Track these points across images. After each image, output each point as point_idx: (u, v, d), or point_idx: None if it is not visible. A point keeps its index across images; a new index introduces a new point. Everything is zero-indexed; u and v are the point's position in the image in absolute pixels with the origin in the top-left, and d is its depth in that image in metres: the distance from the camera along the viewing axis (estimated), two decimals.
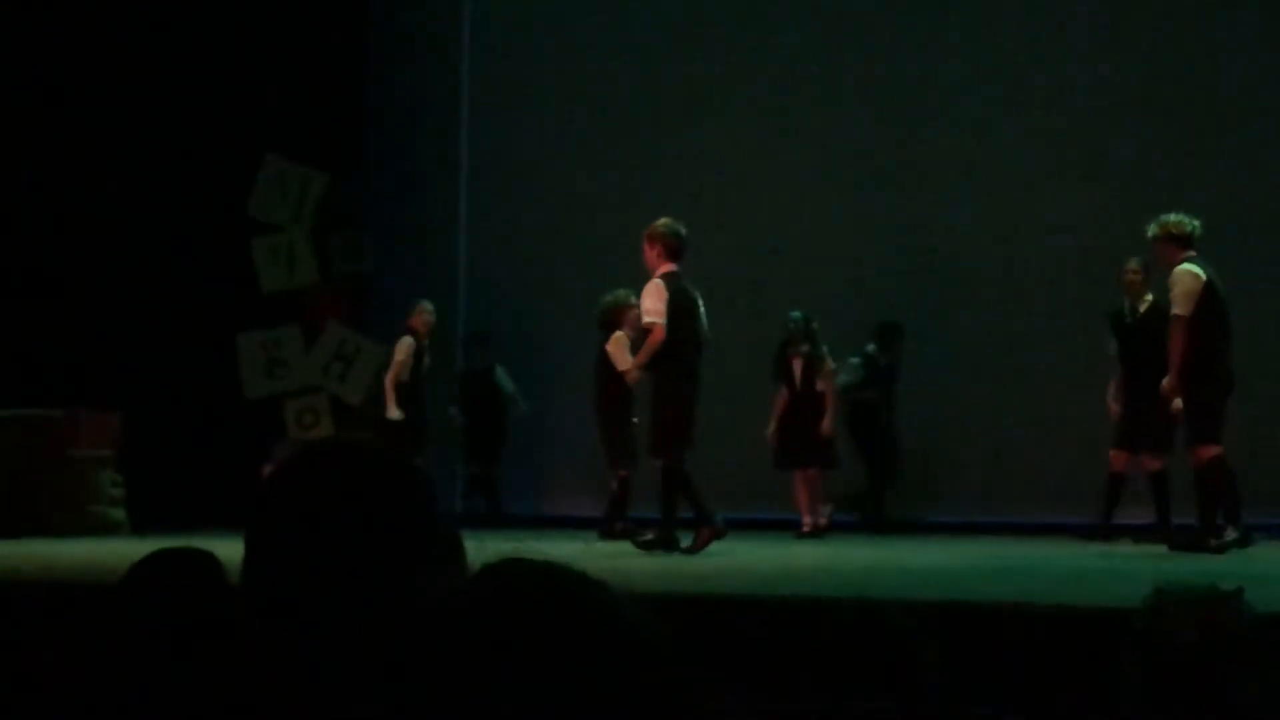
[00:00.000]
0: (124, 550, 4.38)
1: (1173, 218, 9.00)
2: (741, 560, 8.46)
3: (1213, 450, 8.65)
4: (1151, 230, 9.06)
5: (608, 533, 10.55)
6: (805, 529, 10.94)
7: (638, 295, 9.31)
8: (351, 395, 11.90)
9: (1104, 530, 9.93)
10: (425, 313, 12.03)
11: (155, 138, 12.07)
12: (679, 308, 8.80)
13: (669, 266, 8.88)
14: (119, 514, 11.24)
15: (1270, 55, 11.73)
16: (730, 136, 12.74)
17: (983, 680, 4.14)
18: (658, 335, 8.75)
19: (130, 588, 3.24)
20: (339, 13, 12.99)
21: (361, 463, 1.70)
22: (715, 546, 8.82)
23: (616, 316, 10.56)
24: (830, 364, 11.23)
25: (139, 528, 10.87)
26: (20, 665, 5.07)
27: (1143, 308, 9.93)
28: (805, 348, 11.13)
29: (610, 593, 1.26)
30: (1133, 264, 9.92)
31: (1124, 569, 7.46)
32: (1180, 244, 8.93)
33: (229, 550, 2.35)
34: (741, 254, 12.37)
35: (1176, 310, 8.68)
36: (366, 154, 13.06)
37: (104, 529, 10.91)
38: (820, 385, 11.13)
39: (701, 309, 9.03)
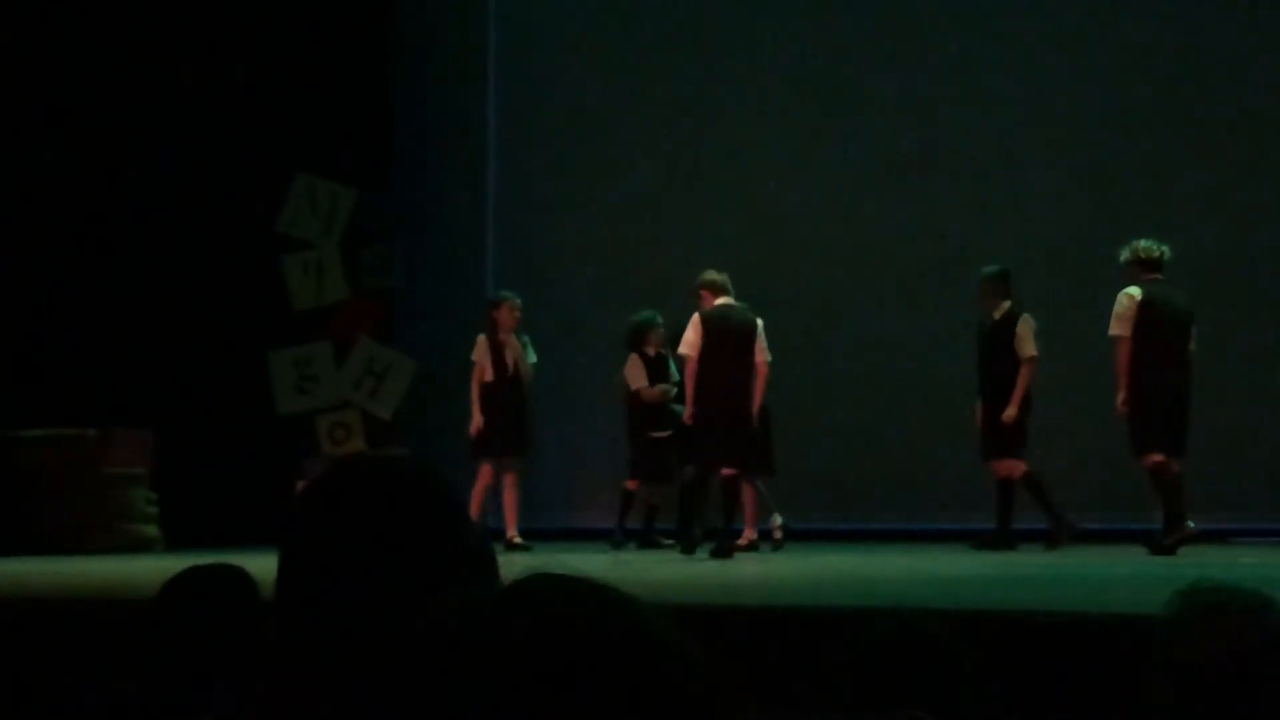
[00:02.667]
0: (158, 567, 4.42)
1: (1143, 243, 9.56)
2: (768, 570, 8.47)
3: (1154, 458, 9.26)
4: (1123, 255, 9.60)
5: (647, 543, 10.88)
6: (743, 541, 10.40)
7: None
8: (383, 410, 11.94)
9: (1003, 537, 10.03)
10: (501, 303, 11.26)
11: (186, 156, 12.13)
12: (719, 337, 9.77)
13: (716, 301, 9.91)
14: (153, 531, 11.30)
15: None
16: (768, 146, 12.74)
17: (1014, 690, 4.13)
18: (690, 368, 9.82)
19: (165, 604, 3.26)
20: (366, 30, 13.03)
21: (393, 478, 1.71)
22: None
23: (639, 336, 11.00)
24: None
25: (173, 544, 10.93)
26: (57, 681, 5.11)
27: (997, 315, 10.15)
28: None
29: (640, 606, 1.26)
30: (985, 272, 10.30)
31: (1153, 575, 7.42)
32: (1146, 268, 9.49)
33: (262, 566, 2.37)
34: (770, 260, 12.34)
35: (1113, 331, 9.35)
36: (394, 170, 13.10)
37: (138, 546, 10.97)
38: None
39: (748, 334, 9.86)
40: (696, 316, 9.83)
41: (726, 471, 9.68)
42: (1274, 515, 10.87)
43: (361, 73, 12.85)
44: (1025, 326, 10.00)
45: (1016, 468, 9.96)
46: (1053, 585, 7.10)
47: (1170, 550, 9.07)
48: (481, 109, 13.51)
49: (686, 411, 9.85)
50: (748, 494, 10.39)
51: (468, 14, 13.63)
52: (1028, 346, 9.97)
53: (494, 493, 11.00)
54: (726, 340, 9.75)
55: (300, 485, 8.42)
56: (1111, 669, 4.31)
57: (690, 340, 9.76)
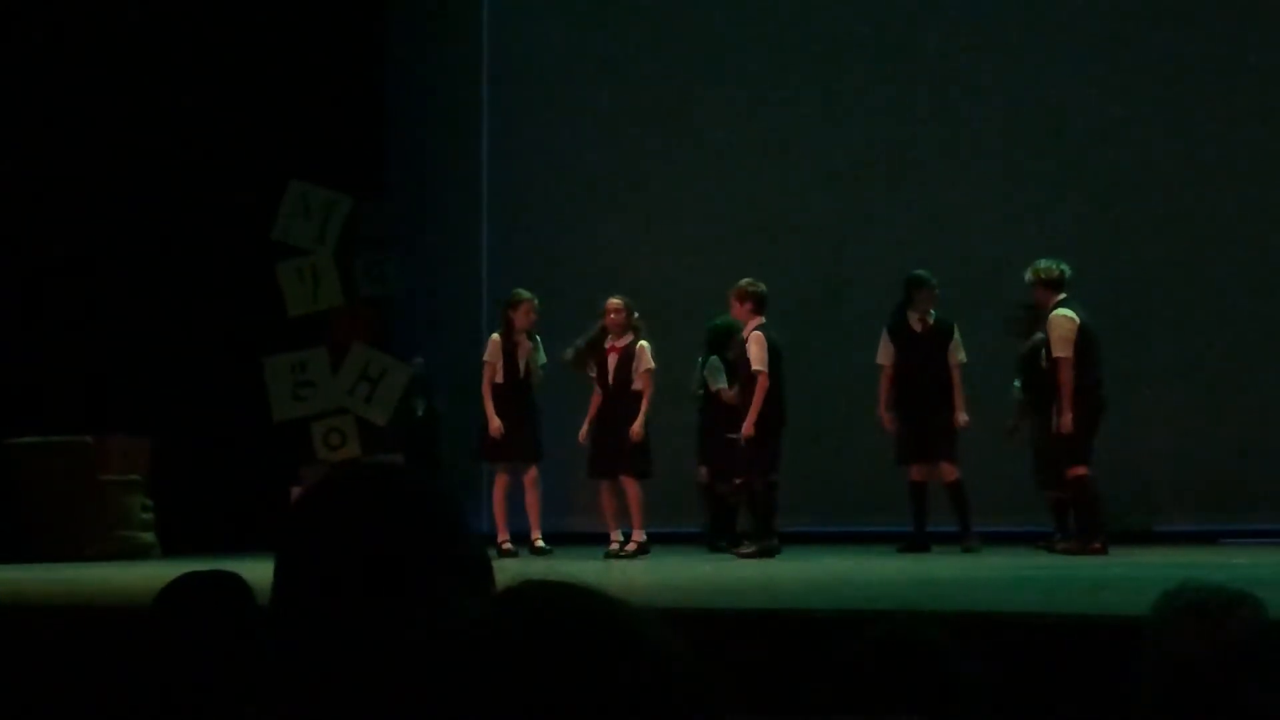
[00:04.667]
0: (155, 573, 4.43)
1: (1043, 263, 9.84)
2: (765, 574, 8.49)
3: (1080, 470, 9.61)
4: (1027, 275, 9.87)
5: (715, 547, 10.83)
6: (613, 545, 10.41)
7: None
8: (378, 416, 11.94)
9: (920, 540, 10.29)
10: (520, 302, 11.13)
11: (181, 163, 12.15)
12: (775, 356, 10.11)
13: (760, 319, 10.12)
14: (149, 537, 11.31)
15: None
16: (761, 145, 12.77)
17: (1008, 692, 4.14)
18: (764, 383, 10.03)
19: (161, 610, 3.27)
20: (360, 37, 13.06)
21: (389, 485, 1.72)
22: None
23: (725, 339, 10.83)
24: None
25: (169, 551, 10.93)
26: (54, 688, 5.12)
27: (929, 320, 10.36)
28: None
29: (632, 611, 1.28)
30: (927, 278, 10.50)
31: (1146, 577, 7.44)
32: (1051, 288, 9.79)
33: (258, 573, 2.38)
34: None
35: (1059, 353, 9.61)
36: (389, 177, 13.12)
37: (135, 553, 10.97)
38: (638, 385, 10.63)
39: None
40: (760, 334, 10.06)
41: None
42: (1269, 517, 10.90)
43: (356, 80, 12.87)
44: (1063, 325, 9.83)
45: (951, 472, 10.26)
46: (1045, 587, 7.12)
47: (1077, 553, 9.44)
48: (476, 116, 13.53)
49: (748, 424, 9.93)
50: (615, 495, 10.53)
51: (462, 21, 13.65)
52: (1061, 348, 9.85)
53: (513, 496, 10.85)
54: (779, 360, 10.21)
55: (296, 491, 8.44)
56: (1104, 670, 4.33)
57: (761, 357, 10.02)
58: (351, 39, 12.92)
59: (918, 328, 10.40)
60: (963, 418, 10.25)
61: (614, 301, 10.40)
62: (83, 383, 11.68)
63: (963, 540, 10.23)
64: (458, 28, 13.64)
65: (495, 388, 10.84)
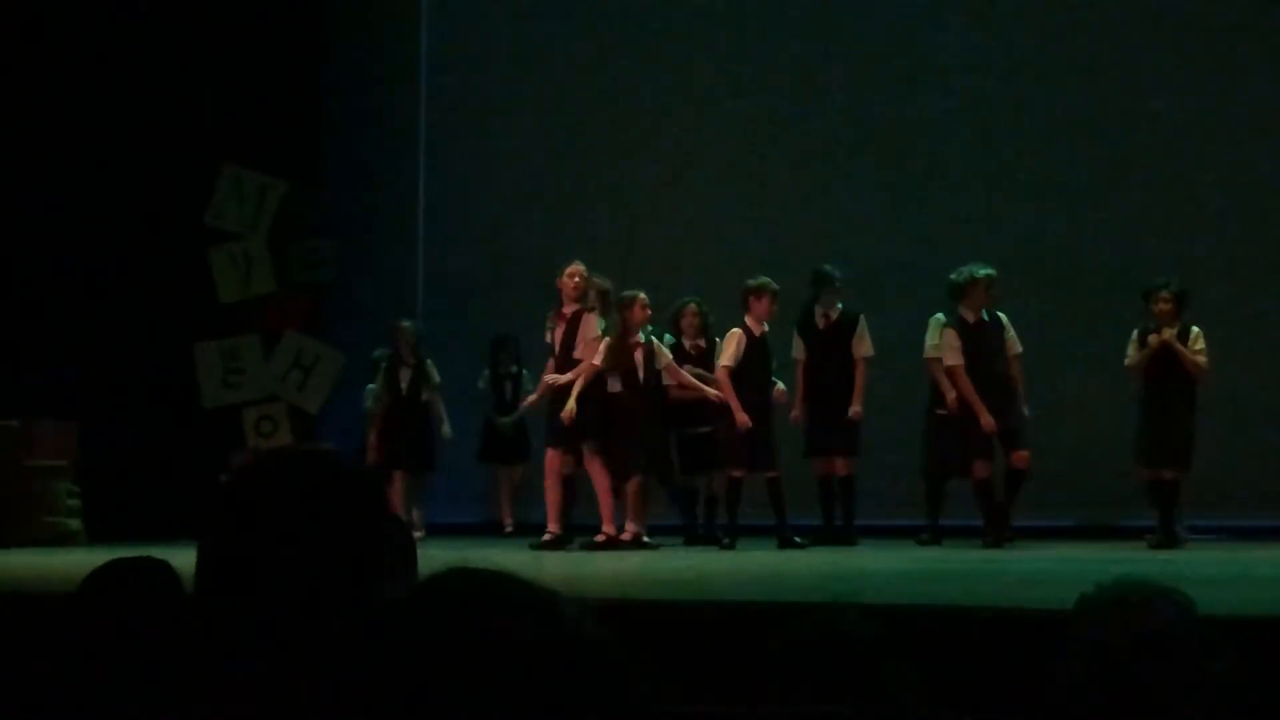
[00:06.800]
0: (80, 560, 4.38)
1: (952, 275, 10.23)
2: (693, 566, 8.52)
3: (986, 470, 9.98)
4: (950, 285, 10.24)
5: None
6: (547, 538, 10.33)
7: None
8: (310, 404, 11.88)
9: (846, 532, 10.43)
10: (402, 330, 11.71)
11: (113, 146, 12.01)
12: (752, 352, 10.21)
13: (750, 316, 10.22)
14: (75, 524, 11.19)
15: None
16: (703, 143, 12.78)
17: (937, 685, 4.17)
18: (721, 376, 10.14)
19: (85, 597, 3.24)
20: (297, 21, 12.96)
21: (314, 471, 1.72)
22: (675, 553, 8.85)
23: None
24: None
25: (96, 538, 10.82)
26: None
27: (833, 315, 10.46)
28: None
29: (557, 600, 1.28)
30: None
31: (1071, 572, 7.52)
32: (950, 295, 10.18)
33: (186, 560, 2.36)
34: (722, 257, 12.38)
35: (948, 362, 10.04)
36: (326, 164, 13.03)
37: (60, 539, 10.85)
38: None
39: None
40: (735, 331, 10.18)
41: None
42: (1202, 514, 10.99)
43: (292, 65, 12.78)
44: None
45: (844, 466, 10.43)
46: (974, 581, 7.19)
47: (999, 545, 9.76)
48: (414, 104, 13.47)
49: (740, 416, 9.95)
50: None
51: (401, 6, 13.59)
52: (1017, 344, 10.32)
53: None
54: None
55: (226, 479, 8.37)
56: (1033, 663, 4.37)
57: (729, 353, 10.15)
58: (289, 23, 12.83)
59: (821, 323, 10.48)
60: (856, 410, 10.32)
61: (641, 298, 10.21)
62: (9, 366, 11.55)
63: (844, 534, 10.35)
64: (397, 13, 13.57)
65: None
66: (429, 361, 11.89)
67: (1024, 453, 10.07)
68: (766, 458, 10.06)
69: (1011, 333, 10.35)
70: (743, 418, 9.90)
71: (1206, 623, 2.21)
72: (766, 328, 10.26)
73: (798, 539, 9.99)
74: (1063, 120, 12.13)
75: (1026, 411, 10.26)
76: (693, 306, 10.66)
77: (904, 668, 2.62)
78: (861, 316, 10.50)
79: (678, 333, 10.64)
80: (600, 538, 10.01)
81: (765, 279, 10.31)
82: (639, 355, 10.14)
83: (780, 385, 10.37)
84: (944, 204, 12.23)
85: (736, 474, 10.04)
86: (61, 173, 11.93)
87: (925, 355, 10.36)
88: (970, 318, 10.26)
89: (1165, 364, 9.97)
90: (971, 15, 12.39)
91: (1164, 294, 10.05)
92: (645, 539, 10.08)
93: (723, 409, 10.04)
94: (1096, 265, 11.82)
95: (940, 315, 10.28)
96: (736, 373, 10.05)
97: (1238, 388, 11.14)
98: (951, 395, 10.03)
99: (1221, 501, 11.02)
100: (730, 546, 9.86)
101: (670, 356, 10.26)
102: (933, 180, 12.31)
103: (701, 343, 10.61)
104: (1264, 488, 11.20)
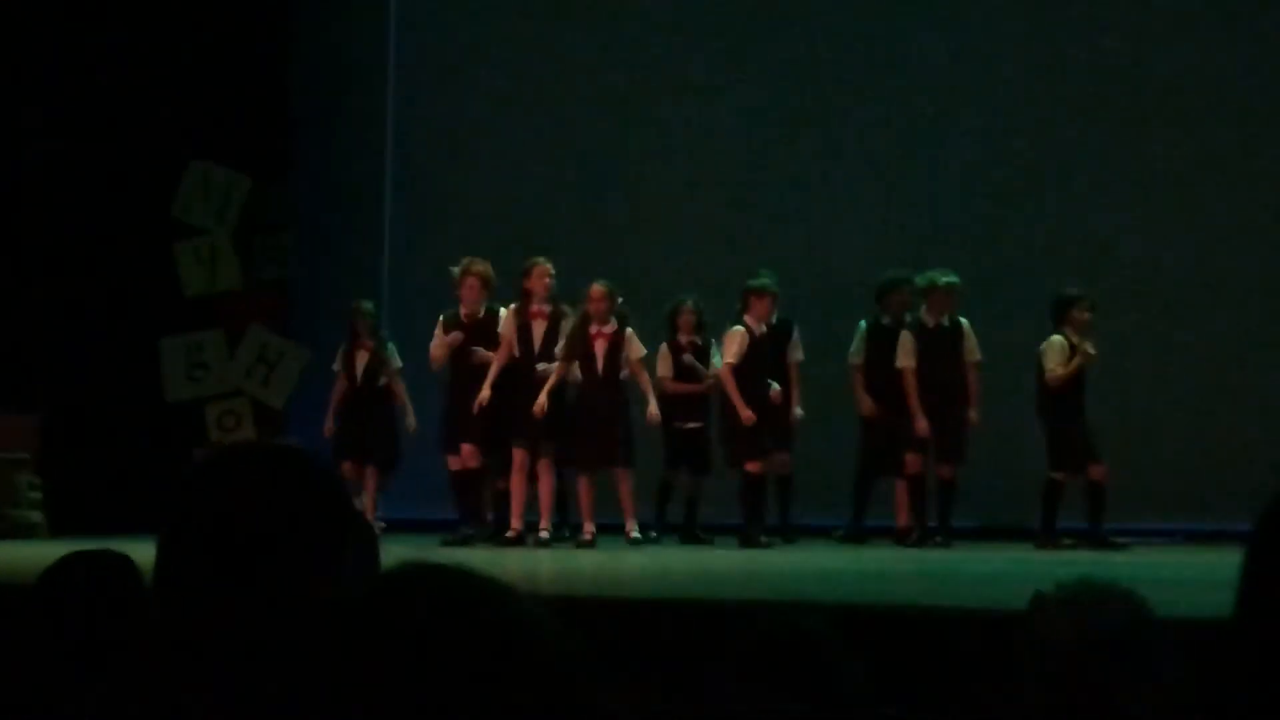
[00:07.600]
0: (41, 553, 4.37)
1: (918, 277, 10.51)
2: (653, 564, 8.55)
3: (917, 465, 10.22)
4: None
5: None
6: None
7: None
8: (274, 399, 11.87)
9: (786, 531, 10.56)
10: (359, 310, 11.24)
11: (79, 140, 11.94)
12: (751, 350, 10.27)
13: (749, 314, 10.28)
14: (37, 516, 11.13)
15: None
16: (669, 143, 12.78)
17: (890, 684, 4.21)
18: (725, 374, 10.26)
19: (44, 590, 3.24)
20: (265, 17, 12.91)
21: (275, 465, 1.73)
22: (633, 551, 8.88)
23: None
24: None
25: (57, 530, 10.77)
26: None
27: (771, 322, 10.52)
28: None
29: (512, 595, 1.30)
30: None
31: (1023, 572, 7.57)
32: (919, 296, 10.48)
33: (147, 554, 2.37)
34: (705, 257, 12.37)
35: (900, 364, 10.32)
36: (291, 159, 12.98)
37: (21, 531, 10.79)
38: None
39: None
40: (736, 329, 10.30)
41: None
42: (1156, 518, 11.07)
43: (259, 60, 12.73)
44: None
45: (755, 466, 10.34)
46: (927, 581, 7.23)
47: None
48: (381, 99, 13.43)
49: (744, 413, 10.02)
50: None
51: (368, 3, 13.55)
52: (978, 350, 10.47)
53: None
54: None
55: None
56: (984, 663, 4.41)
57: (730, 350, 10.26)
58: (256, 18, 12.78)
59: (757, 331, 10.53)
60: (797, 412, 10.50)
61: (598, 287, 10.16)
62: None
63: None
64: (364, 10, 13.54)
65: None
66: (390, 345, 11.23)
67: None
68: (775, 439, 10.28)
69: (972, 340, 10.41)
70: (747, 413, 9.97)
71: (1161, 624, 2.24)
72: (765, 328, 10.31)
73: (763, 539, 10.02)
74: (1065, 121, 12.16)
75: (975, 417, 10.31)
76: (688, 305, 10.70)
77: (855, 665, 2.65)
78: (794, 324, 10.69)
79: (674, 331, 10.71)
80: (543, 533, 9.99)
81: (766, 280, 10.36)
82: (600, 346, 10.14)
83: (776, 386, 10.41)
84: (944, 205, 12.24)
85: (752, 467, 10.06)
86: (26, 167, 11.87)
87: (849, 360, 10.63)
88: (930, 322, 10.37)
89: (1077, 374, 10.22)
90: (971, 15, 12.42)
91: (1086, 303, 10.20)
92: (547, 531, 10.00)
93: (712, 406, 10.18)
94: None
95: (863, 322, 10.67)
96: (739, 370, 10.11)
97: (1193, 392, 11.24)
98: (867, 403, 10.45)
99: (1181, 505, 11.11)
100: (768, 545, 9.86)
101: (643, 351, 10.25)
102: (933, 181, 12.32)
103: (697, 340, 10.67)
104: (1231, 489, 11.26)
